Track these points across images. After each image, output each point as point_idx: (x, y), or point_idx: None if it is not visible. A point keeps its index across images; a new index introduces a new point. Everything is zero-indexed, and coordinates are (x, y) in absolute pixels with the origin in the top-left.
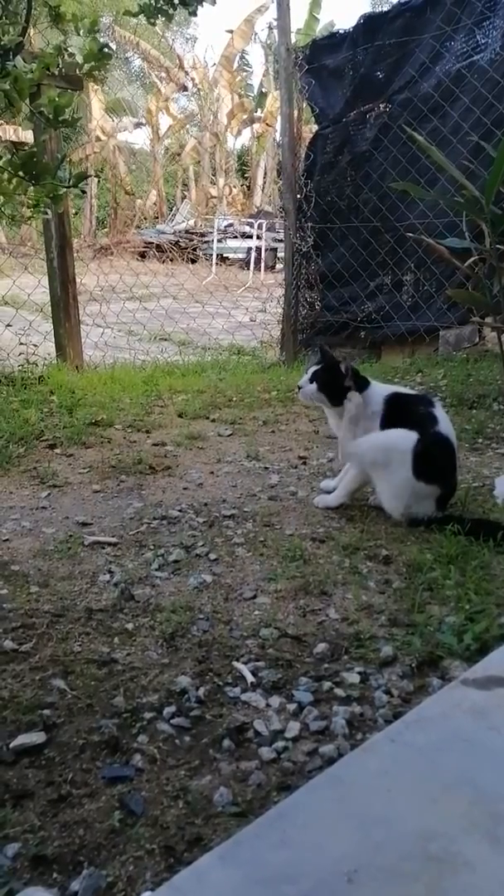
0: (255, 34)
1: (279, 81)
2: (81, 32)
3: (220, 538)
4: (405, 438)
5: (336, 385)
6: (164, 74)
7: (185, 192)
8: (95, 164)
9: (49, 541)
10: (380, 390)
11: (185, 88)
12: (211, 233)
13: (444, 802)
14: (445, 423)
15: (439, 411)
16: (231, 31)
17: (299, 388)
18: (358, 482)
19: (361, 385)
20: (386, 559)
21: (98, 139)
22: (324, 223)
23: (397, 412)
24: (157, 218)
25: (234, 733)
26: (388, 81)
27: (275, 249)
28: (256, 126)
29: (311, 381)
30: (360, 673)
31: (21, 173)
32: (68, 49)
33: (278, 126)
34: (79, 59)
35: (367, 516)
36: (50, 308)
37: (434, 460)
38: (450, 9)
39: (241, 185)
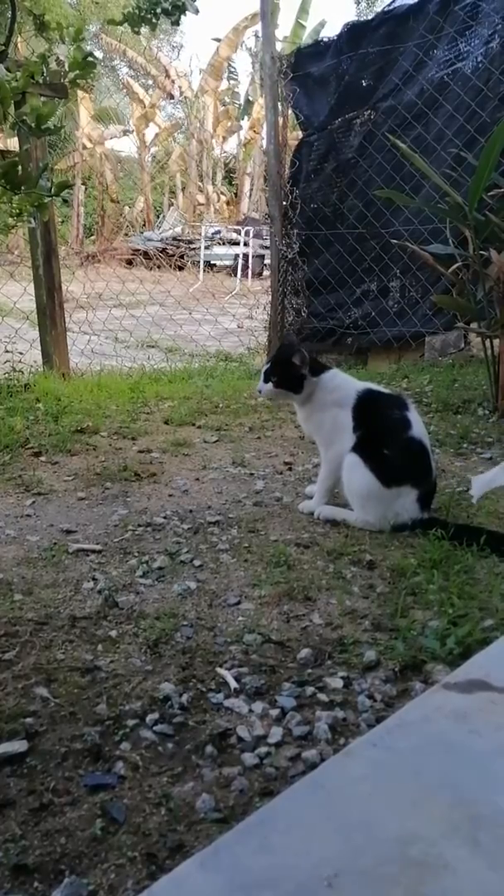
0: (243, 42)
1: (264, 89)
2: (67, 41)
3: (205, 545)
4: (363, 476)
5: (291, 375)
6: (150, 82)
7: (173, 200)
8: (83, 172)
9: (33, 548)
10: (353, 383)
11: (171, 96)
12: (198, 240)
13: (424, 806)
14: (418, 426)
15: (412, 413)
16: (218, 40)
17: (259, 391)
18: (331, 479)
19: (317, 370)
20: (370, 564)
21: (85, 147)
22: (310, 230)
23: (368, 409)
24: (145, 225)
25: (216, 739)
26: (372, 89)
27: (262, 256)
28: (243, 133)
29: (265, 380)
30: (343, 678)
31: (3, 182)
32: (55, 57)
33: (264, 133)
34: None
35: None
36: (36, 316)
37: (408, 467)
38: (433, 17)
39: (229, 193)
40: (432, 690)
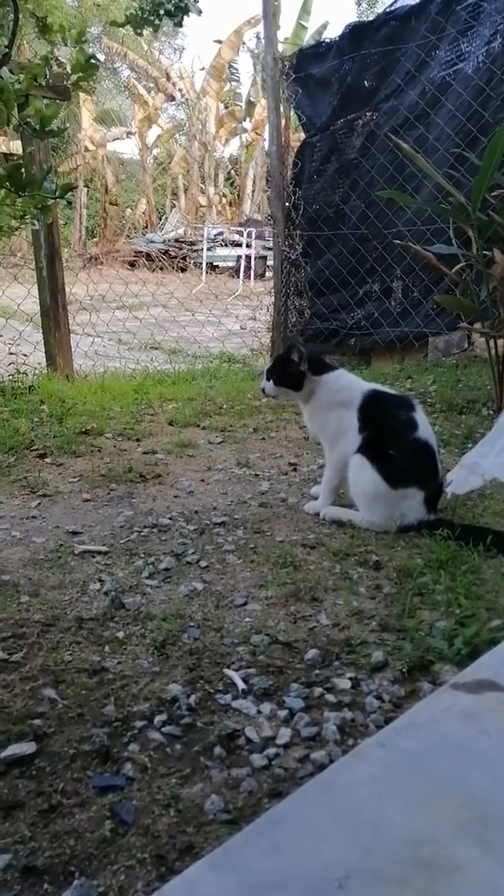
0: (244, 44)
1: (266, 90)
2: (69, 43)
3: (211, 545)
4: (369, 477)
5: (290, 373)
6: (152, 84)
7: (175, 201)
8: (85, 174)
9: (39, 550)
10: (359, 384)
11: (172, 98)
12: (200, 241)
13: (434, 807)
14: (424, 427)
15: (419, 414)
16: (219, 42)
17: (263, 390)
18: (336, 480)
19: (320, 369)
20: (376, 565)
21: (87, 149)
22: (312, 231)
23: (374, 410)
24: (147, 227)
25: (225, 741)
26: (374, 90)
27: (264, 257)
28: (245, 135)
29: (268, 378)
30: (351, 678)
31: (8, 185)
32: (57, 59)
33: (266, 135)
34: (68, 68)
35: None
36: (40, 318)
37: (415, 468)
38: (434, 18)
39: (231, 194)
40: (440, 691)
